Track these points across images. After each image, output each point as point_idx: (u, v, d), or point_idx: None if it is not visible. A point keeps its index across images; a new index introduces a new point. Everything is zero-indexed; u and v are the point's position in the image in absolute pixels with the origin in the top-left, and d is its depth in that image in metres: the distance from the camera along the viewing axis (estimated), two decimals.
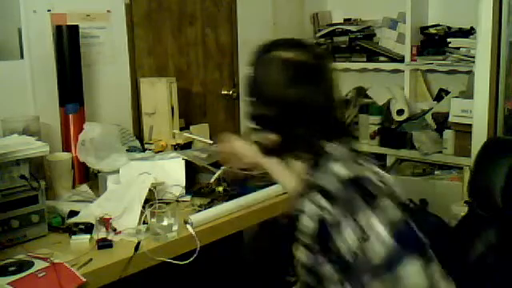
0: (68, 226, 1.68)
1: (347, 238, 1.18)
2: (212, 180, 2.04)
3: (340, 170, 1.25)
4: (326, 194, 1.23)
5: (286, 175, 1.46)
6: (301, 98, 1.30)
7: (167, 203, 1.81)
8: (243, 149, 1.62)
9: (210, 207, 1.86)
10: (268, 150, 1.41)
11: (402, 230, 1.20)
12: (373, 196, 1.22)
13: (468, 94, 2.71)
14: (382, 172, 1.32)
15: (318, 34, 3.41)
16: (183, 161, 2.03)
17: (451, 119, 2.76)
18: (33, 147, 1.71)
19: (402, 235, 1.18)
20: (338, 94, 1.40)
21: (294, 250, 1.36)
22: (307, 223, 1.27)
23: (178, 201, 1.91)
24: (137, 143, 2.41)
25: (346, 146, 1.33)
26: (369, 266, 1.17)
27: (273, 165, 1.54)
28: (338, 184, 1.23)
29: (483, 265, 1.51)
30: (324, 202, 1.23)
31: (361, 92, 3.28)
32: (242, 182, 2.00)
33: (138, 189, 1.78)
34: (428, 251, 1.21)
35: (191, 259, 1.60)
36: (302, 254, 1.33)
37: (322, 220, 1.23)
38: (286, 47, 1.36)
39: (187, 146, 2.42)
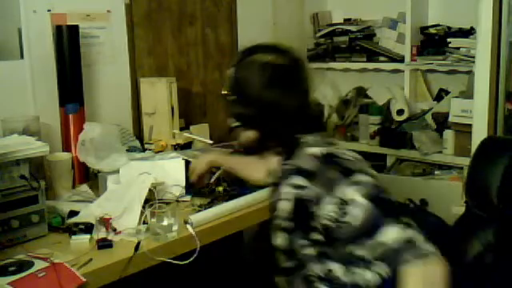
0: (68, 226, 1.68)
1: (327, 209, 1.26)
2: (212, 180, 2.04)
3: (314, 150, 1.36)
4: (303, 172, 1.33)
5: (260, 171, 1.62)
6: (277, 97, 1.41)
7: (167, 203, 1.81)
8: (219, 159, 1.91)
9: (210, 207, 1.86)
10: (249, 149, 1.52)
11: (376, 197, 1.26)
12: (347, 168, 1.31)
13: (468, 93, 2.71)
14: (353, 152, 1.41)
15: (318, 34, 3.41)
16: (183, 161, 2.03)
17: (451, 119, 2.76)
18: (33, 147, 1.71)
19: (378, 201, 1.25)
20: (313, 94, 1.51)
21: (273, 240, 1.41)
22: (284, 206, 1.37)
23: (178, 201, 1.91)
24: (137, 143, 2.41)
25: (321, 136, 1.44)
26: (350, 232, 1.24)
27: (247, 164, 1.76)
28: (314, 161, 1.33)
29: (481, 264, 1.51)
30: (302, 181, 1.32)
31: (361, 92, 3.28)
32: (241, 182, 2.00)
33: (138, 189, 1.78)
34: (402, 215, 1.25)
35: (191, 259, 1.60)
36: (279, 239, 1.42)
37: (299, 198, 1.32)
38: (265, 51, 1.46)
39: (187, 146, 2.42)
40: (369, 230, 1.21)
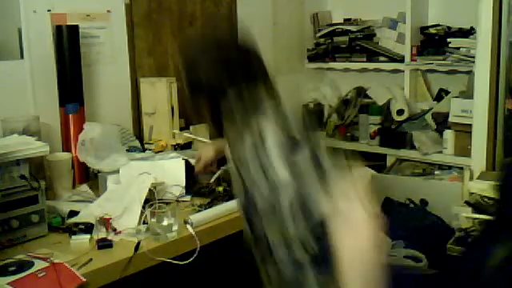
0: (68, 226, 1.68)
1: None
2: (212, 180, 2.04)
3: None
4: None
5: None
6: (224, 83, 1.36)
7: (167, 203, 1.81)
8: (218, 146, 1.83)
9: (210, 207, 1.86)
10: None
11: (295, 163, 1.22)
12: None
13: (468, 93, 2.71)
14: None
15: (318, 34, 3.41)
16: (183, 161, 2.03)
17: (451, 119, 2.76)
18: (33, 147, 1.72)
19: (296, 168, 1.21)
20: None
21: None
22: None
23: (178, 201, 1.91)
24: (137, 143, 2.41)
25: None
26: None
27: None
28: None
29: (506, 270, 1.49)
30: None
31: (361, 92, 3.28)
32: None
33: (138, 189, 1.78)
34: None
35: (191, 259, 1.60)
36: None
37: None
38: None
39: (187, 146, 2.42)
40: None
